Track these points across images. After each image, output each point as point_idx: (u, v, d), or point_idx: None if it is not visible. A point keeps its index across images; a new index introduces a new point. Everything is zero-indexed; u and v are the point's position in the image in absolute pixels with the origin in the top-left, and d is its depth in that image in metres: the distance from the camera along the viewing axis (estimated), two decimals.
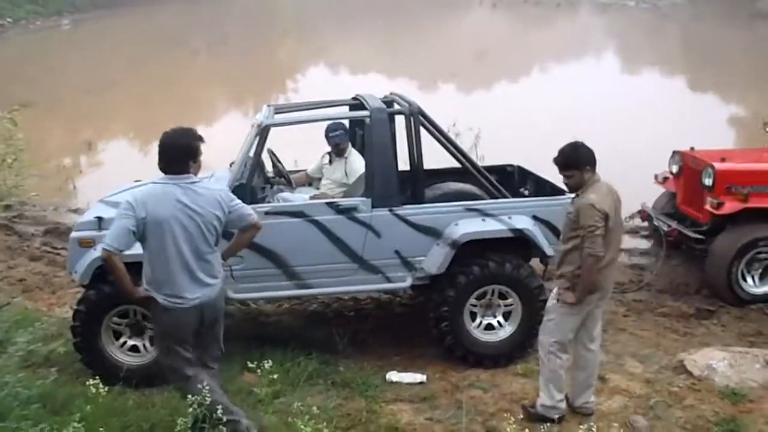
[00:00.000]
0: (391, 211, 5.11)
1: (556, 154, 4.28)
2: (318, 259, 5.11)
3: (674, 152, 7.20)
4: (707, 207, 6.45)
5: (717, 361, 5.06)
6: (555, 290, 4.40)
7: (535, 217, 5.14)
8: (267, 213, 5.01)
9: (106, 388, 3.79)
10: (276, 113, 5.61)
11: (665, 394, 4.83)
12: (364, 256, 5.14)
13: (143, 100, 18.04)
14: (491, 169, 6.19)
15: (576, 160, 4.24)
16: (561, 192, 5.39)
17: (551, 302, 4.43)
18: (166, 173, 3.83)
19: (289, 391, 4.73)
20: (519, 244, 5.18)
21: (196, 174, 3.91)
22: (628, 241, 8.19)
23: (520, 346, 5.27)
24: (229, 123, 15.50)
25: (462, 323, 5.17)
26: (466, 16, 40.78)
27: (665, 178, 7.37)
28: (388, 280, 5.24)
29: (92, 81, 19.54)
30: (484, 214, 5.12)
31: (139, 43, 29.07)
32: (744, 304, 6.34)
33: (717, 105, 16.75)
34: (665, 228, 6.97)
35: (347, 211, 5.11)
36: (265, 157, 5.75)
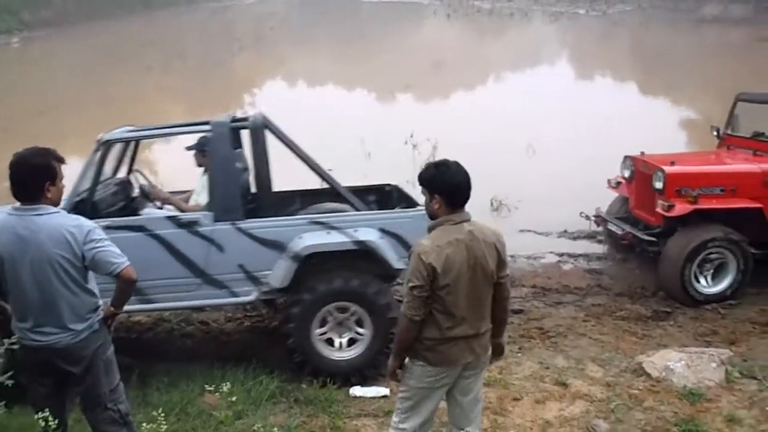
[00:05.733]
0: (233, 224, 5.04)
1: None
2: (160, 273, 5.00)
3: (625, 157, 7.34)
4: (658, 210, 6.58)
5: (674, 362, 5.15)
6: None
7: (383, 230, 5.08)
8: (107, 228, 4.76)
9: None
10: (130, 132, 5.59)
11: (626, 396, 4.89)
12: (207, 270, 5.07)
13: (98, 118, 17.65)
14: (371, 188, 6.27)
15: (425, 180, 3.37)
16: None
17: None
18: (19, 200, 3.41)
19: (251, 411, 4.67)
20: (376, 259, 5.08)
21: (56, 201, 3.46)
22: (585, 246, 8.34)
23: (372, 364, 5.18)
24: (187, 141, 15.31)
25: (309, 340, 5.11)
26: (421, 27, 41.13)
27: (618, 183, 7.52)
28: (234, 294, 5.15)
29: (44, 101, 19.13)
30: (329, 227, 5.06)
31: (91, 61, 28.61)
32: (698, 305, 6.47)
33: (669, 108, 17.15)
34: (619, 232, 7.10)
35: (189, 225, 5.04)
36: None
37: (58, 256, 3.33)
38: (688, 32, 31.59)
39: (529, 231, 8.68)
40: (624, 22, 37.99)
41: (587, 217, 7.73)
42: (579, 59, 27.52)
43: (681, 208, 6.43)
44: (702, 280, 6.52)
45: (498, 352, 3.66)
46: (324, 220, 5.11)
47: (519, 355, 5.62)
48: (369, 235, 5.03)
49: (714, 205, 6.49)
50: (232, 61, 29.26)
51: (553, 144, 12.17)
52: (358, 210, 5.32)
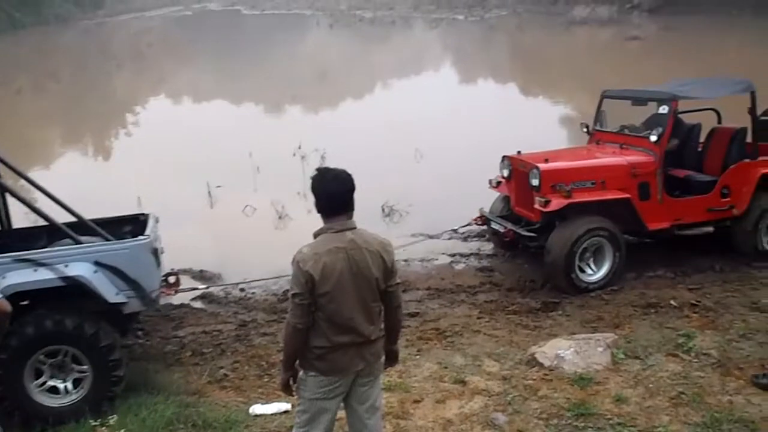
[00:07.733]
0: None
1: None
2: None
3: (504, 157, 7.57)
4: (536, 206, 6.84)
5: (564, 350, 5.34)
6: None
7: (98, 263, 4.82)
8: None
9: None
10: None
11: (521, 388, 5.02)
12: None
13: None
14: (126, 219, 6.03)
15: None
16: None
17: None
18: None
19: None
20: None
21: None
22: (474, 245, 8.55)
23: (97, 407, 4.71)
24: (69, 164, 14.60)
25: (22, 388, 4.71)
26: (305, 38, 41.04)
27: (498, 183, 7.74)
28: None
29: None
30: (37, 263, 4.73)
31: None
32: (584, 293, 6.74)
33: (548, 107, 17.88)
34: (501, 230, 7.33)
35: None
36: None
37: None
38: (560, 34, 33.14)
39: (420, 234, 8.81)
40: (501, 26, 39.44)
41: (469, 224, 7.99)
42: (461, 63, 28.31)
43: (556, 203, 6.72)
44: (586, 269, 6.83)
45: (392, 358, 3.67)
46: (32, 257, 4.78)
47: (418, 357, 5.68)
48: (80, 269, 4.74)
49: (586, 198, 6.81)
50: (111, 81, 28.18)
51: (440, 147, 12.43)
52: (80, 243, 5.01)
